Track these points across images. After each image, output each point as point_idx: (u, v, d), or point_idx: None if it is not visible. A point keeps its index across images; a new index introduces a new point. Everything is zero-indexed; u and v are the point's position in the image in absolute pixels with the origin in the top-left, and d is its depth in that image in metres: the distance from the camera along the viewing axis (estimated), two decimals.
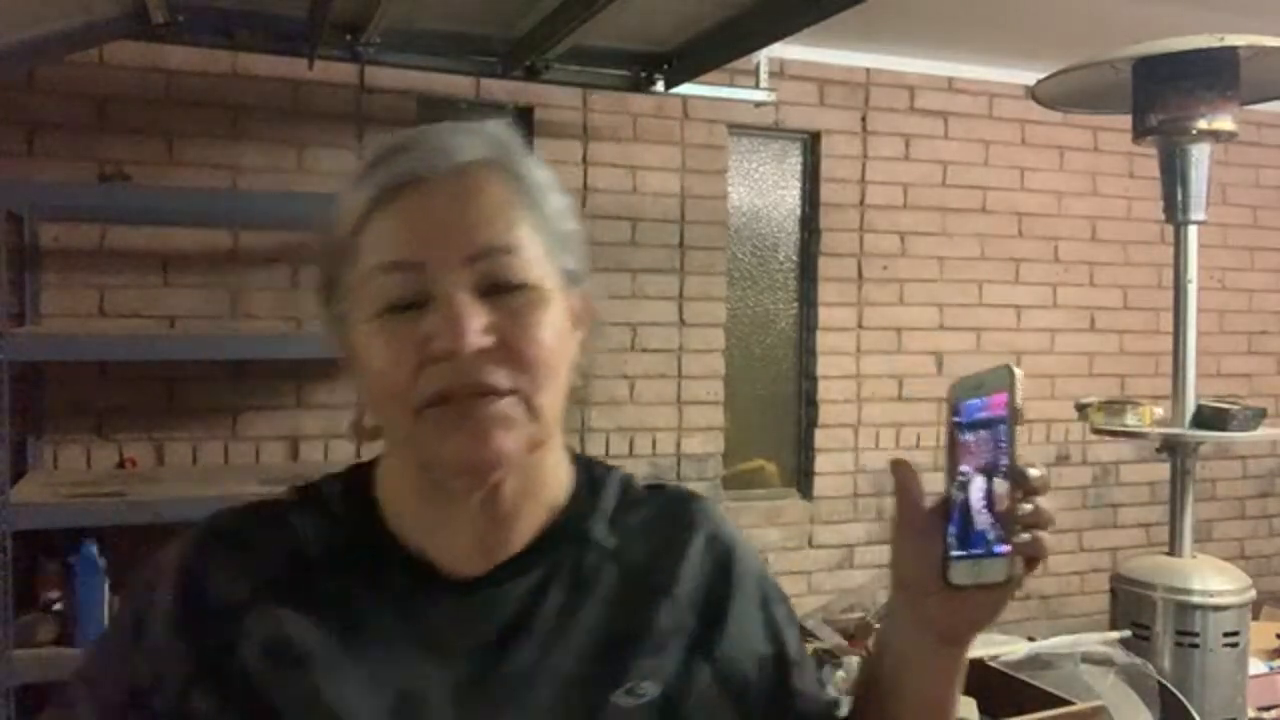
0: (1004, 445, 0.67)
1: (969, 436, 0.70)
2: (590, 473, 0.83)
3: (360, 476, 0.80)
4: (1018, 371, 0.67)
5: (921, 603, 0.71)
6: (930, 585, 0.69)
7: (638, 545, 0.80)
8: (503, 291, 0.70)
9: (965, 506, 0.69)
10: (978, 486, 0.68)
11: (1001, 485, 0.67)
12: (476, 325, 0.68)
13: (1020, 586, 0.67)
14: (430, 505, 0.75)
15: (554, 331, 0.71)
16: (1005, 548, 0.66)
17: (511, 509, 0.75)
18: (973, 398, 0.70)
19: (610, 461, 0.87)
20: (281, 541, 0.76)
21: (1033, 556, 0.66)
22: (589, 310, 0.78)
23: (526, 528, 0.77)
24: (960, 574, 0.68)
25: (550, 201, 0.75)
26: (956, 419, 0.70)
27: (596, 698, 0.72)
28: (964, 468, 0.69)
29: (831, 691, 0.86)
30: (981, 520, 0.68)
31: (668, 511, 0.83)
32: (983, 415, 0.69)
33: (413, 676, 0.71)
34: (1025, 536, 0.66)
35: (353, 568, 0.75)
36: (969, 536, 0.68)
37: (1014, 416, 0.67)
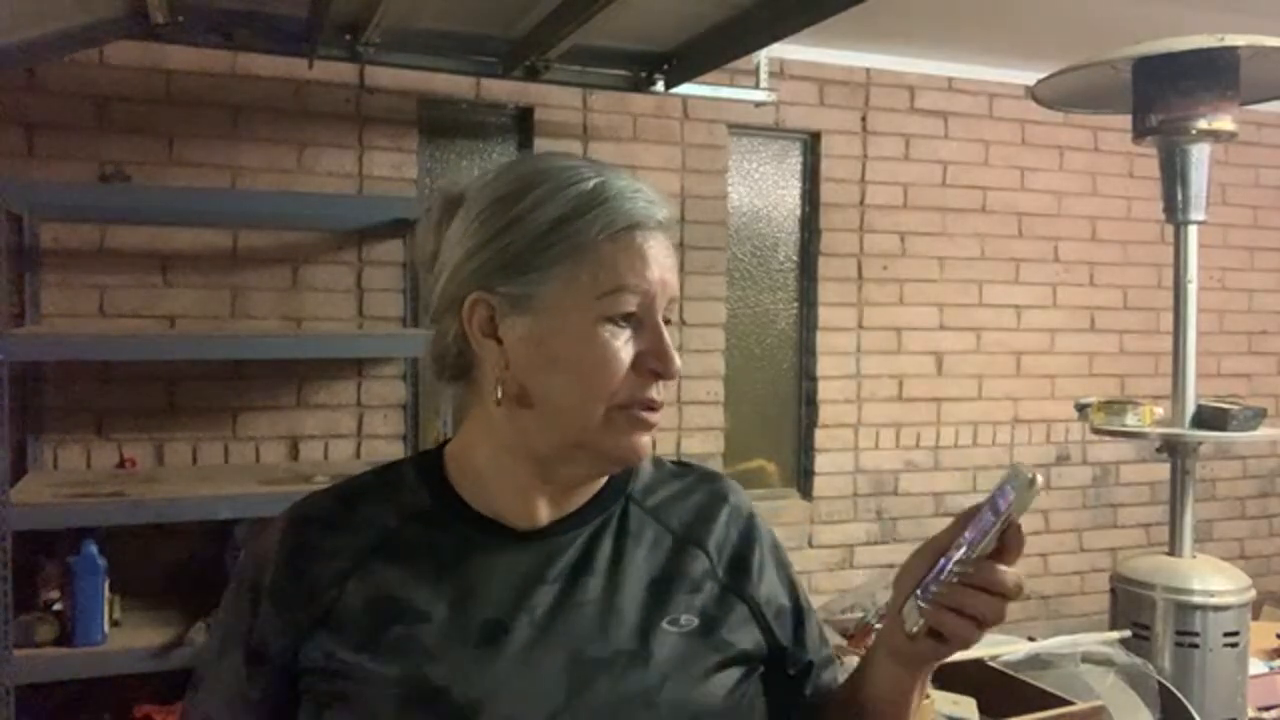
0: (980, 533, 0.79)
1: (986, 514, 0.80)
2: None
3: (428, 459, 0.96)
4: (1038, 484, 0.76)
5: (889, 628, 0.86)
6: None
7: (674, 509, 0.97)
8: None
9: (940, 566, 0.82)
10: (950, 552, 0.81)
11: (956, 558, 0.79)
12: (678, 358, 0.89)
13: (923, 650, 0.83)
14: (525, 479, 0.91)
15: None
16: (922, 604, 0.81)
17: (577, 485, 0.93)
18: (1007, 486, 0.78)
19: None
20: (368, 519, 0.91)
21: (935, 628, 0.81)
22: None
23: (582, 493, 0.94)
24: (908, 612, 0.83)
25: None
26: (992, 495, 0.79)
27: (648, 625, 0.88)
28: (966, 534, 0.80)
29: (825, 651, 1.03)
30: (930, 581, 0.81)
31: (699, 485, 1.00)
32: (999, 503, 0.79)
33: (495, 606, 0.87)
34: (934, 606, 0.80)
35: (436, 527, 0.91)
36: (925, 588, 0.82)
37: (999, 515, 0.78)
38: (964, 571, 0.79)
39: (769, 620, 0.94)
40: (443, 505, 0.92)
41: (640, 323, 0.88)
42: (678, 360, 0.88)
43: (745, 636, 0.92)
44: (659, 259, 0.89)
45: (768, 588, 0.96)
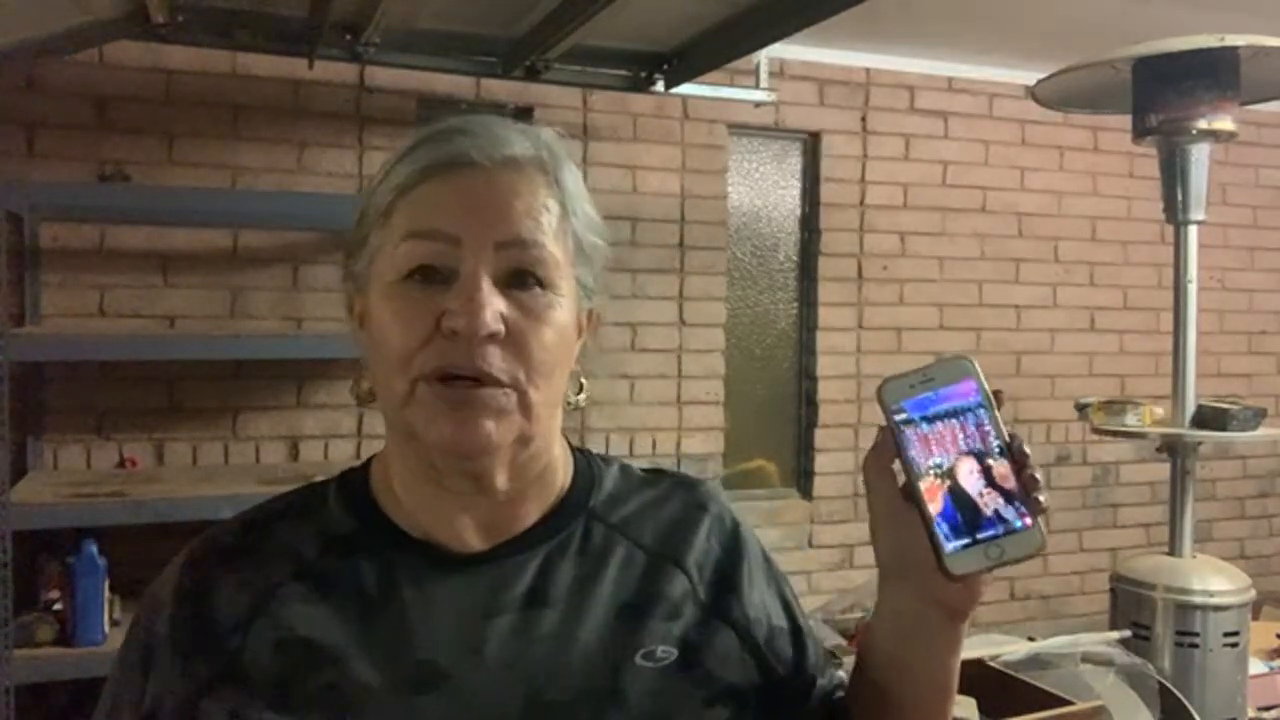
0: (989, 429, 0.71)
1: (927, 429, 0.71)
2: (590, 461, 0.87)
3: (354, 475, 0.83)
4: (974, 361, 0.72)
5: (926, 587, 0.72)
6: (932, 571, 0.70)
7: (645, 523, 0.83)
8: (521, 287, 0.73)
9: (956, 495, 0.70)
10: (968, 472, 0.70)
11: (1000, 465, 0.70)
12: (493, 311, 0.71)
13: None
14: (432, 490, 0.77)
15: (559, 335, 0.75)
16: (1027, 521, 0.69)
17: (511, 495, 0.78)
18: (921, 392, 0.72)
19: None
20: (280, 547, 0.78)
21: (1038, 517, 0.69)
22: (593, 324, 0.83)
23: (531, 511, 0.80)
24: (964, 562, 0.69)
25: (583, 213, 0.79)
26: (903, 416, 0.72)
27: (618, 661, 0.75)
28: (934, 460, 0.71)
29: (839, 674, 0.87)
30: (990, 503, 0.70)
31: (673, 493, 0.86)
32: (944, 406, 0.71)
33: (429, 647, 0.73)
34: (1041, 500, 0.69)
35: (360, 555, 0.77)
36: (971, 524, 0.70)
37: (990, 400, 0.71)
38: (1012, 466, 0.70)
39: (760, 645, 0.81)
40: (368, 528, 0.78)
41: (452, 275, 0.72)
42: (484, 315, 0.70)
43: (732, 668, 0.78)
44: (485, 198, 0.73)
45: (757, 608, 0.82)
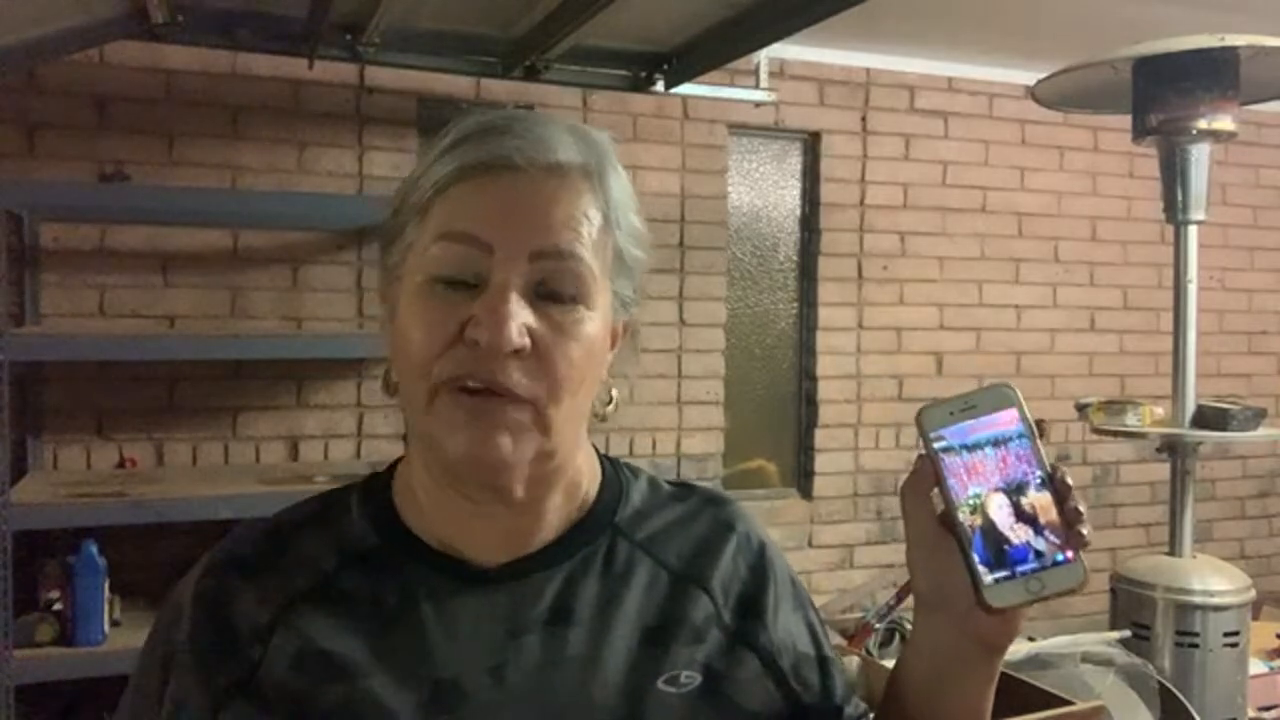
0: (1031, 459, 0.69)
1: (967, 458, 0.70)
2: (618, 471, 0.85)
3: (377, 483, 0.81)
4: (1016, 389, 0.70)
5: (964, 620, 0.70)
6: (969, 603, 0.69)
7: (671, 541, 0.81)
8: (552, 300, 0.71)
9: (996, 526, 0.68)
10: (1002, 504, 0.69)
11: (1041, 497, 0.68)
12: (518, 325, 0.68)
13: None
14: (453, 496, 0.75)
15: (588, 352, 0.72)
16: (1069, 554, 0.67)
17: (533, 506, 0.76)
18: (962, 420, 0.70)
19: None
20: (301, 559, 0.76)
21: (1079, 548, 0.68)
22: (627, 334, 0.80)
23: (555, 522, 0.78)
24: (1004, 596, 0.68)
25: (626, 224, 0.76)
26: (942, 443, 0.70)
27: (641, 685, 0.73)
28: (974, 489, 0.69)
29: (860, 705, 0.85)
30: (1024, 536, 0.68)
31: (700, 511, 0.84)
32: (983, 435, 0.70)
33: (448, 666, 0.72)
34: (1084, 533, 0.67)
35: (380, 569, 0.76)
36: (1004, 557, 0.68)
37: (1032, 430, 0.69)
38: (1054, 497, 0.68)
39: (784, 672, 0.79)
40: (389, 541, 0.77)
41: (482, 282, 0.70)
42: (509, 329, 0.67)
43: (756, 695, 0.77)
44: (523, 205, 0.70)
45: (782, 633, 0.80)
